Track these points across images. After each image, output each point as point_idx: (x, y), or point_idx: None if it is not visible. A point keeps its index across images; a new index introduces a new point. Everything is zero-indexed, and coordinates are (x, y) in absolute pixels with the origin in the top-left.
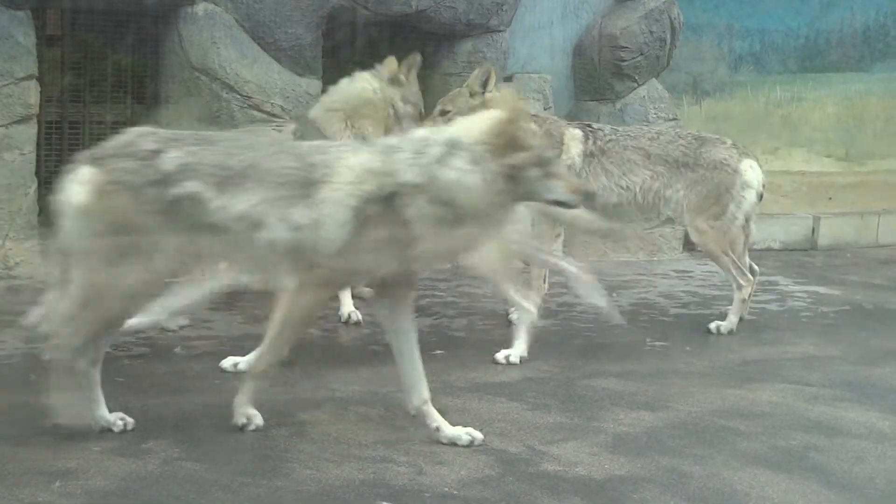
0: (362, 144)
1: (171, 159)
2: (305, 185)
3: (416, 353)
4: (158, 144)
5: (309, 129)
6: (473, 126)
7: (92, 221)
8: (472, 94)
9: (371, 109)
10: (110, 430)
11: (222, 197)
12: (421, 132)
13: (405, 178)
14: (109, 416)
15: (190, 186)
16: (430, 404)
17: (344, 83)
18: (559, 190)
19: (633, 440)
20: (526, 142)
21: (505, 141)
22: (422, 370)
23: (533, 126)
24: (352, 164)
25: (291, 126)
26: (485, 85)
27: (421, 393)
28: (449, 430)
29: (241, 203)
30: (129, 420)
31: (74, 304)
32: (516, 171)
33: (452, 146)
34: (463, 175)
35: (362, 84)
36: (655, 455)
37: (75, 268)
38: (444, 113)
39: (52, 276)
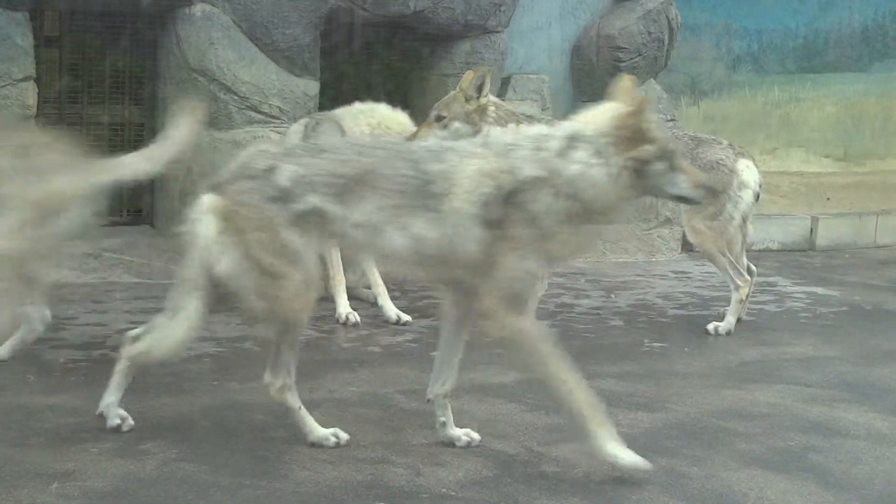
0: (478, 146)
1: (286, 173)
2: (428, 195)
3: (461, 349)
4: (271, 161)
5: (329, 126)
6: (595, 118)
7: (226, 247)
8: (467, 99)
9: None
10: (105, 430)
11: (342, 207)
12: (537, 128)
13: (526, 174)
14: (113, 412)
15: (310, 199)
16: (448, 399)
17: (384, 107)
18: (683, 185)
19: (631, 441)
20: (650, 134)
21: (629, 133)
22: (457, 366)
23: (655, 117)
24: (472, 171)
25: (304, 120)
26: (480, 89)
27: (446, 385)
28: (451, 430)
29: (360, 213)
30: (130, 421)
31: (191, 329)
32: (641, 164)
33: (574, 139)
34: (586, 168)
35: (405, 121)
36: (653, 456)
37: (196, 294)
38: (439, 118)
39: (170, 302)
